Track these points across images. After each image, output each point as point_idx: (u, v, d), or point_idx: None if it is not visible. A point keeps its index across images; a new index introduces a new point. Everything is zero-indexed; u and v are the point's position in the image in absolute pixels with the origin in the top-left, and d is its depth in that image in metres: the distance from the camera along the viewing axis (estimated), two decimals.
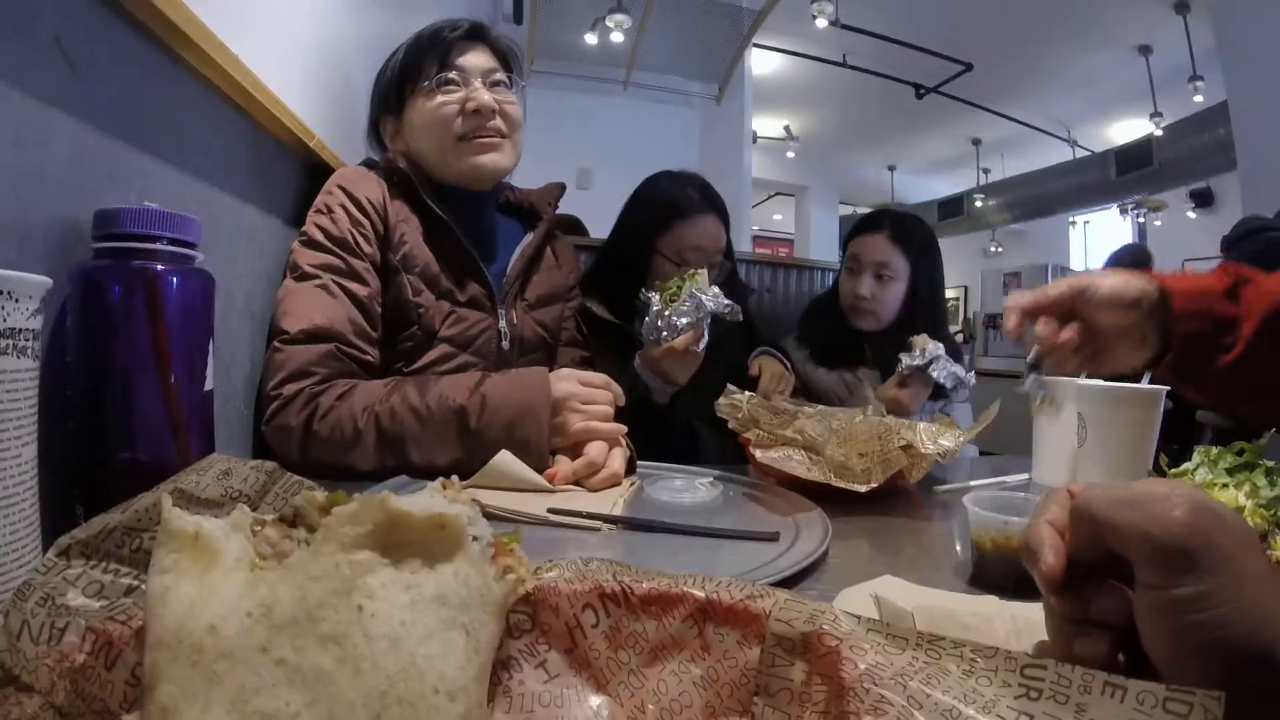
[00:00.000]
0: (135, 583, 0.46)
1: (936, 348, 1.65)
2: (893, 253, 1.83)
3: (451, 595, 0.35)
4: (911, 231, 1.88)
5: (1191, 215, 8.30)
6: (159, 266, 0.77)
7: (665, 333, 1.37)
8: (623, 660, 0.41)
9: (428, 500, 0.36)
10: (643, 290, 1.46)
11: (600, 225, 2.89)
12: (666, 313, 1.38)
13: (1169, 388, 1.05)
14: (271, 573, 0.35)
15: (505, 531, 0.42)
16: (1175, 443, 0.98)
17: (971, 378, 1.67)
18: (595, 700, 0.41)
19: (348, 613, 0.33)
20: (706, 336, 1.37)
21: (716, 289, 1.39)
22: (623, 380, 1.40)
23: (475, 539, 0.37)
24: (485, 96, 1.28)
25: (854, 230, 1.92)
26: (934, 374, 1.63)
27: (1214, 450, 0.77)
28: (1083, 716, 0.33)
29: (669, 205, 1.68)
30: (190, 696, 0.32)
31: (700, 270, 1.42)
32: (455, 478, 0.42)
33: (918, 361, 1.65)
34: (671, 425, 1.20)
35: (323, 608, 0.33)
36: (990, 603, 0.65)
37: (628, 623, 0.42)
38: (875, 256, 1.82)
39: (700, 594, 0.41)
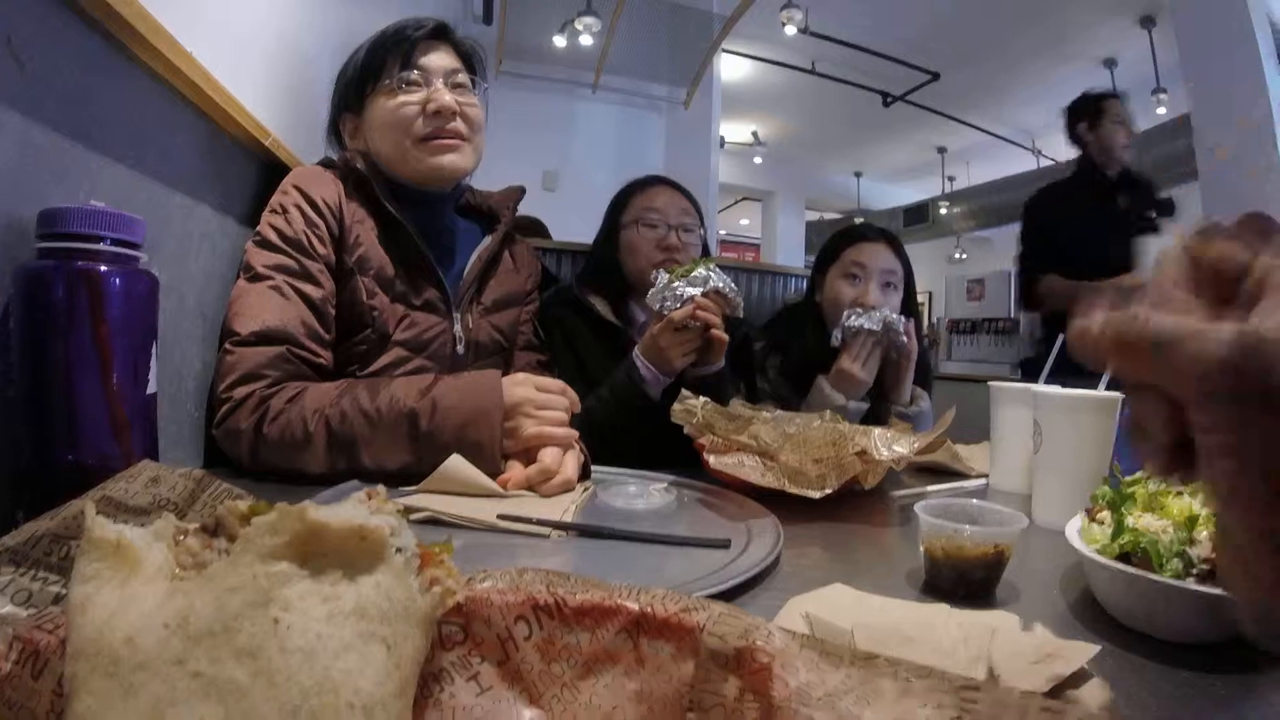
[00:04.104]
0: (63, 590, 0.45)
1: (848, 314, 1.67)
2: (895, 261, 1.80)
3: (371, 607, 0.34)
4: (900, 244, 1.86)
5: None
6: (102, 267, 0.76)
7: (669, 302, 1.41)
8: (556, 673, 0.40)
9: (349, 511, 0.35)
10: (655, 271, 1.49)
11: (565, 226, 2.89)
12: (675, 284, 1.42)
13: (1124, 395, 1.06)
14: (190, 583, 0.34)
15: (436, 542, 0.41)
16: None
17: (898, 319, 1.66)
18: (528, 714, 0.40)
19: (263, 625, 0.32)
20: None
21: (727, 277, 1.44)
22: (616, 374, 1.45)
23: (399, 550, 0.36)
24: (446, 97, 1.27)
25: (845, 238, 1.85)
26: (849, 324, 1.64)
27: None
28: None
29: (626, 186, 1.76)
30: (107, 708, 0.32)
31: (713, 258, 1.48)
32: (381, 487, 0.41)
33: (838, 330, 1.67)
34: (664, 426, 1.20)
35: (239, 619, 0.32)
36: (940, 611, 0.65)
37: (561, 634, 0.41)
38: (883, 264, 1.78)
39: (634, 606, 0.41)
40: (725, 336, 1.45)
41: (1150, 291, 0.37)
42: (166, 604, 0.34)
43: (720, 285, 1.42)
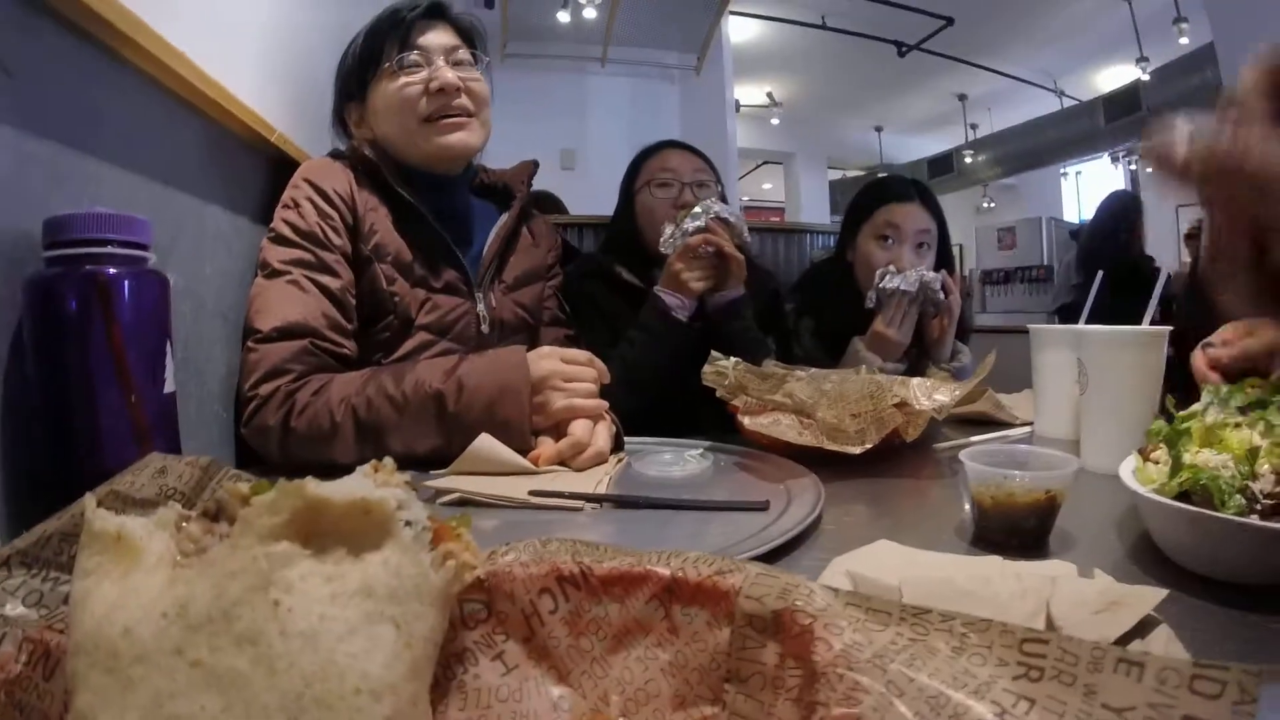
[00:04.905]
0: None
1: (881, 273, 1.63)
2: (930, 221, 1.73)
3: (379, 586, 0.32)
4: (934, 198, 1.79)
5: None
6: (110, 270, 0.76)
7: (678, 241, 1.45)
8: (584, 648, 0.38)
9: (353, 484, 0.33)
10: (664, 224, 1.51)
11: (586, 204, 2.87)
12: (682, 224, 1.46)
13: (1170, 329, 1.02)
14: (189, 570, 0.33)
15: (453, 516, 0.39)
16: (1178, 390, 0.94)
17: (934, 277, 1.61)
18: (556, 691, 0.38)
19: (264, 609, 0.30)
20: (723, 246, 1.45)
21: (731, 209, 1.49)
22: (642, 313, 1.47)
23: (408, 524, 0.34)
24: (449, 75, 1.25)
25: (876, 196, 1.77)
26: (884, 285, 1.61)
27: (1224, 388, 0.74)
28: (1092, 700, 0.30)
29: (638, 153, 1.75)
30: (106, 704, 0.31)
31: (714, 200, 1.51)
32: (388, 459, 0.39)
33: (873, 292, 1.64)
34: (698, 356, 1.18)
35: (239, 605, 0.31)
36: (993, 563, 0.63)
37: (588, 607, 0.39)
38: (917, 225, 1.71)
39: (665, 572, 0.38)
40: (739, 255, 1.47)
41: (1236, 110, 0.34)
42: (165, 593, 0.32)
43: (722, 213, 1.46)
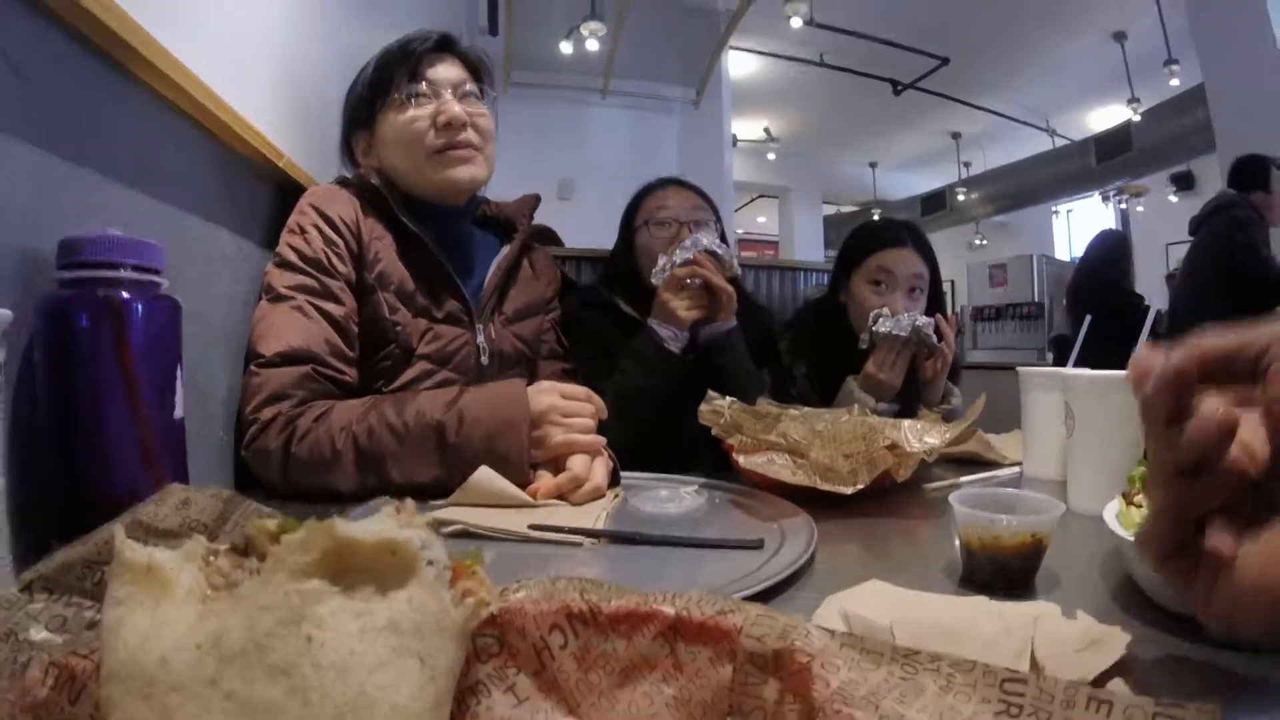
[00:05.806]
0: (97, 616, 0.45)
1: (875, 316, 1.65)
2: (922, 265, 1.75)
3: (405, 622, 0.34)
4: (926, 242, 1.80)
5: (1173, 199, 8.33)
6: (124, 294, 0.76)
7: (667, 271, 1.48)
8: (593, 682, 0.40)
9: (378, 525, 0.35)
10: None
11: (582, 235, 2.89)
12: (673, 256, 1.48)
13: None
14: (221, 603, 0.34)
15: (466, 552, 0.40)
16: None
17: (927, 322, 1.62)
18: None
19: (296, 643, 0.32)
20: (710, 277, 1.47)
21: (719, 242, 1.51)
22: (634, 343, 1.48)
23: (430, 563, 0.36)
24: (456, 108, 1.27)
25: (869, 241, 1.78)
26: (877, 329, 1.62)
27: None
28: None
29: (639, 191, 1.76)
30: None
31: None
32: (409, 500, 0.40)
33: (866, 335, 1.65)
34: (690, 391, 1.23)
35: (271, 638, 0.32)
36: (979, 603, 0.64)
37: (597, 643, 0.40)
38: (910, 270, 1.73)
39: (670, 611, 0.40)
40: (727, 287, 1.49)
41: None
42: (199, 625, 0.33)
43: (711, 246, 1.47)
